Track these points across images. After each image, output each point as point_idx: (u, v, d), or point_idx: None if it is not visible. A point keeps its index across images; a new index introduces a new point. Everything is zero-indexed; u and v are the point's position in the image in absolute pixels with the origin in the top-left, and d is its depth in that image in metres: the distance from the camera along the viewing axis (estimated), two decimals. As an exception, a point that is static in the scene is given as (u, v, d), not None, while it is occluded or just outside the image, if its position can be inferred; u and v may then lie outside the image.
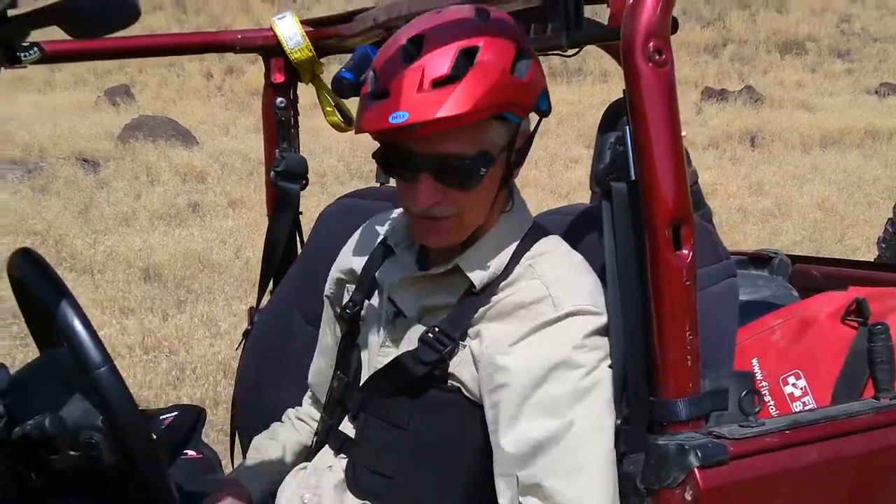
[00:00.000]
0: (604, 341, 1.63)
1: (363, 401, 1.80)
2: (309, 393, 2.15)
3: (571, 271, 1.73)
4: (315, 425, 2.03)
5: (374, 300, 1.88)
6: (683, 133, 2.91)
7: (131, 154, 10.87)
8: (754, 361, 1.94)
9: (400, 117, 1.54)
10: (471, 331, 1.70)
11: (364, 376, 1.84)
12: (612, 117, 2.21)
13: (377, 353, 1.82)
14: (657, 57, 1.56)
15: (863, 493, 1.67)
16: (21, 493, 1.56)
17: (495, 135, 1.65)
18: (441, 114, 1.53)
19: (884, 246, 4.42)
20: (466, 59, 1.57)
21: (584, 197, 10.07)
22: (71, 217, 8.65)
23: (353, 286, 1.94)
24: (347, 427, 1.83)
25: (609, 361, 1.62)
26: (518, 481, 1.60)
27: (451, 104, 1.53)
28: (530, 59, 1.64)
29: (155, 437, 2.52)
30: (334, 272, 2.03)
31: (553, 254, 1.75)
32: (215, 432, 4.40)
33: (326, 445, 1.86)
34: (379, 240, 1.92)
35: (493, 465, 1.65)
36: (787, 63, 18.30)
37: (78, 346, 1.44)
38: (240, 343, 2.64)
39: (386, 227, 1.93)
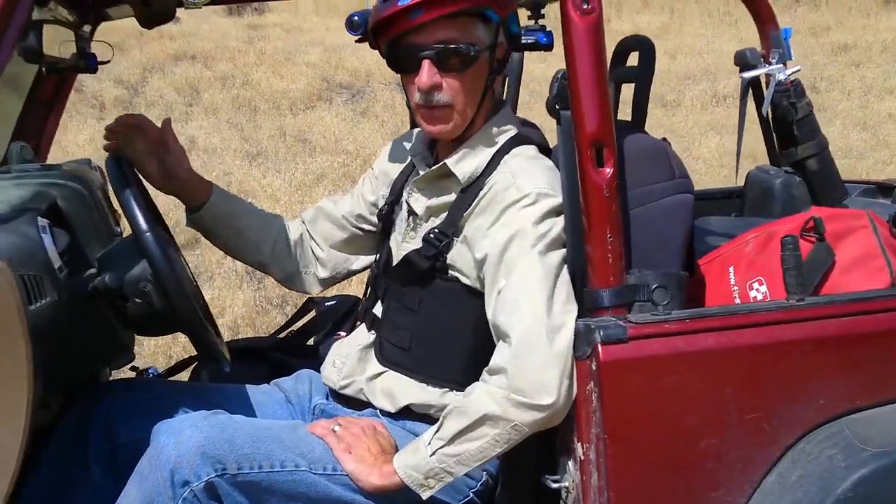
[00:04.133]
0: (558, 218, 2.01)
1: (386, 288, 2.27)
2: (303, 219, 2.57)
3: (535, 164, 2.12)
4: (295, 236, 2.53)
5: (400, 205, 2.34)
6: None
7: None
8: (731, 269, 2.20)
9: (403, 1, 1.99)
10: (463, 225, 2.13)
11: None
12: (621, 52, 2.50)
13: (398, 248, 2.27)
14: (584, 6, 1.91)
15: (756, 379, 1.94)
16: (115, 341, 2.15)
17: (480, 32, 2.08)
18: None
19: None
20: None
21: (892, 130, 9.74)
22: (381, 139, 9.44)
23: (388, 189, 2.40)
24: (378, 309, 2.29)
25: (562, 234, 2.00)
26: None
27: None
28: None
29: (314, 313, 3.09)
30: (376, 168, 2.50)
31: (523, 155, 2.15)
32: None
33: (363, 324, 2.33)
34: (409, 156, 2.38)
35: (489, 338, 2.06)
36: None
37: (131, 217, 2.00)
38: None
39: (412, 140, 2.40)
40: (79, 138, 8.71)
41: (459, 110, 2.12)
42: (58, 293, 1.85)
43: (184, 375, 2.87)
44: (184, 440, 1.93)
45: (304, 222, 2.56)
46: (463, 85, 2.09)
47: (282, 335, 3.09)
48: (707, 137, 9.19)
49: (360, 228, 2.51)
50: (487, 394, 1.95)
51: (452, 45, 2.05)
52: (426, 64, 2.06)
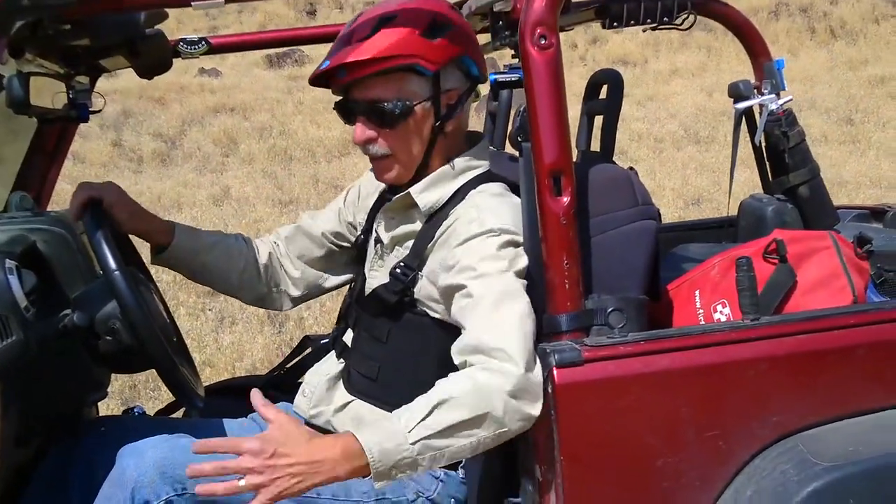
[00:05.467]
0: (518, 251, 2.02)
1: (357, 317, 2.32)
2: (279, 236, 2.60)
3: (500, 202, 2.13)
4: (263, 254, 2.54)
5: (372, 233, 2.38)
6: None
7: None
8: (696, 292, 2.22)
9: (325, 64, 2.07)
10: (427, 257, 2.15)
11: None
12: (593, 87, 2.54)
13: (369, 277, 2.32)
14: (542, 42, 1.96)
15: (712, 398, 1.96)
16: (88, 378, 2.22)
17: (414, 86, 2.10)
18: (350, 59, 2.03)
19: None
20: (384, 22, 2.06)
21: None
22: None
23: (364, 216, 2.45)
24: (348, 337, 2.33)
25: (521, 267, 2.01)
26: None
27: (361, 51, 2.03)
28: (448, 28, 2.10)
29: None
30: (356, 190, 2.54)
31: (489, 192, 2.16)
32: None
33: (333, 352, 2.38)
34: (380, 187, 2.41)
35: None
36: None
37: (100, 257, 2.06)
38: None
39: None
40: (113, 191, 8.88)
41: (400, 160, 2.17)
42: (24, 332, 1.91)
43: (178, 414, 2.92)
44: (144, 461, 1.98)
45: (276, 242, 2.58)
46: (397, 137, 2.14)
47: (277, 372, 3.14)
48: (737, 171, 9.18)
49: (337, 246, 2.55)
50: (498, 392, 1.87)
51: (380, 104, 2.10)
52: (359, 120, 2.14)
